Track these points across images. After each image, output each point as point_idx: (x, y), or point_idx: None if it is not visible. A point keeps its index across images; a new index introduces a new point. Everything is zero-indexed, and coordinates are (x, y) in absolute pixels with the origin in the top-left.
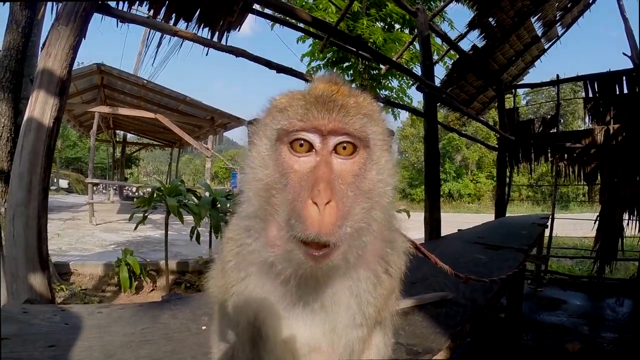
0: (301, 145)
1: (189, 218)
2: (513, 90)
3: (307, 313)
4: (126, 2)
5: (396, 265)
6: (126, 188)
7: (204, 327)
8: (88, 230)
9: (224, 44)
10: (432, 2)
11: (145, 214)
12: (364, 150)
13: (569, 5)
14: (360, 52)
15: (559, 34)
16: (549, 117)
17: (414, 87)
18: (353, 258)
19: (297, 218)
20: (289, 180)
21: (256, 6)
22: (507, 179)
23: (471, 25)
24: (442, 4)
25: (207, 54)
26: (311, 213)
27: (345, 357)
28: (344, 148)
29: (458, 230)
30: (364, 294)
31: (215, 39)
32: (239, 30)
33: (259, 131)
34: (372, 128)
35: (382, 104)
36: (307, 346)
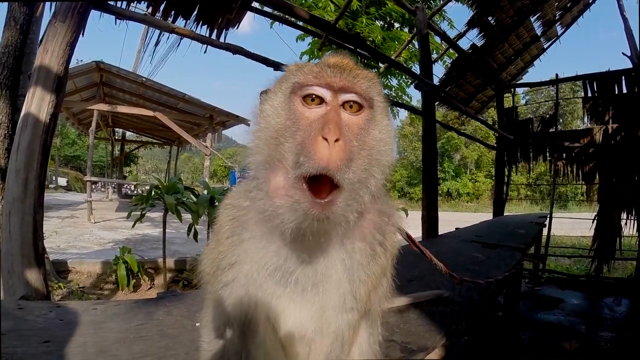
0: (313, 99)
1: (187, 216)
2: (512, 90)
3: (298, 292)
4: (124, 0)
5: (391, 239)
6: (125, 186)
7: (197, 324)
8: (86, 228)
9: (222, 41)
10: (431, 1)
11: (143, 212)
12: (368, 110)
13: (568, 5)
14: (358, 50)
15: (559, 34)
16: (547, 116)
17: (412, 86)
18: (352, 216)
19: (307, 154)
20: (300, 126)
21: (255, 4)
22: (506, 178)
23: (470, 24)
24: (441, 2)
25: (205, 52)
26: (321, 147)
27: (336, 346)
28: (351, 106)
29: (456, 228)
30: (356, 269)
31: (213, 36)
32: (237, 28)
33: (274, 87)
34: (376, 91)
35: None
36: (296, 334)
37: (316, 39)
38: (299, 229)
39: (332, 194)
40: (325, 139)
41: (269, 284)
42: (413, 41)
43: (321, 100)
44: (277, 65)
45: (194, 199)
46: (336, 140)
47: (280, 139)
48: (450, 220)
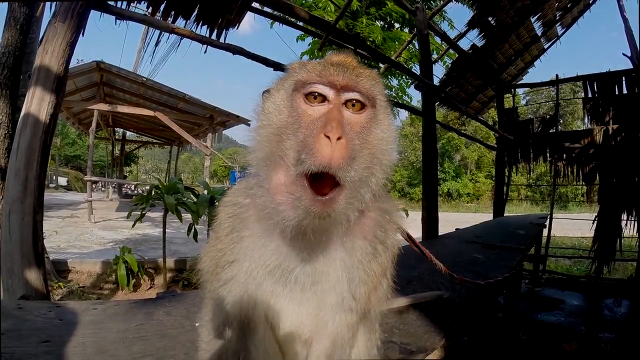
0: (315, 97)
1: (188, 216)
2: (512, 90)
3: (297, 291)
4: (124, 0)
5: (392, 237)
6: (125, 186)
7: (197, 324)
8: (86, 227)
9: (222, 41)
10: (431, 1)
11: (143, 212)
12: (371, 109)
13: (568, 5)
14: (358, 50)
15: (559, 34)
16: (548, 117)
17: (413, 86)
18: (353, 214)
19: (309, 151)
20: (302, 123)
21: (255, 4)
22: (506, 179)
23: (471, 25)
24: (441, 2)
25: (205, 52)
26: (323, 145)
27: (334, 347)
28: (353, 105)
29: (456, 229)
30: (356, 267)
31: (214, 36)
32: (237, 28)
33: (277, 85)
34: (378, 91)
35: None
36: (295, 334)
37: (316, 39)
38: (300, 227)
39: (333, 191)
40: (328, 137)
41: (268, 283)
42: (413, 41)
43: (323, 99)
44: (277, 66)
45: (194, 199)
46: (338, 139)
47: (282, 136)
48: (450, 220)
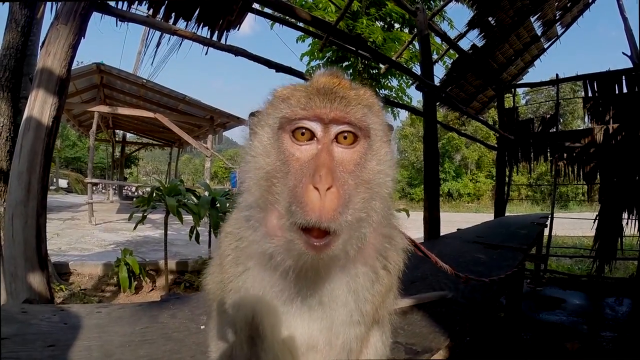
0: (302, 134)
1: (189, 218)
2: (512, 90)
3: (305, 310)
4: (125, 2)
5: (394, 261)
6: (125, 188)
7: (202, 327)
8: (87, 230)
9: (224, 43)
10: (431, 2)
11: (145, 214)
12: (364, 140)
13: (568, 5)
14: (359, 51)
15: (559, 34)
16: (548, 116)
17: (413, 87)
18: (352, 250)
19: (298, 204)
20: (290, 168)
21: (256, 5)
22: (507, 179)
23: (471, 25)
24: (441, 3)
25: (206, 53)
26: (312, 198)
27: (343, 356)
28: (345, 138)
29: (457, 229)
30: (361, 291)
31: (214, 38)
32: (238, 29)
33: (261, 121)
34: (372, 119)
35: (381, 103)
36: (304, 345)
37: (317, 39)
38: (297, 266)
39: (328, 237)
40: (317, 188)
41: (276, 303)
42: (413, 42)
43: (312, 134)
44: (279, 67)
45: (195, 200)
46: (329, 188)
47: (272, 180)
48: (451, 220)
